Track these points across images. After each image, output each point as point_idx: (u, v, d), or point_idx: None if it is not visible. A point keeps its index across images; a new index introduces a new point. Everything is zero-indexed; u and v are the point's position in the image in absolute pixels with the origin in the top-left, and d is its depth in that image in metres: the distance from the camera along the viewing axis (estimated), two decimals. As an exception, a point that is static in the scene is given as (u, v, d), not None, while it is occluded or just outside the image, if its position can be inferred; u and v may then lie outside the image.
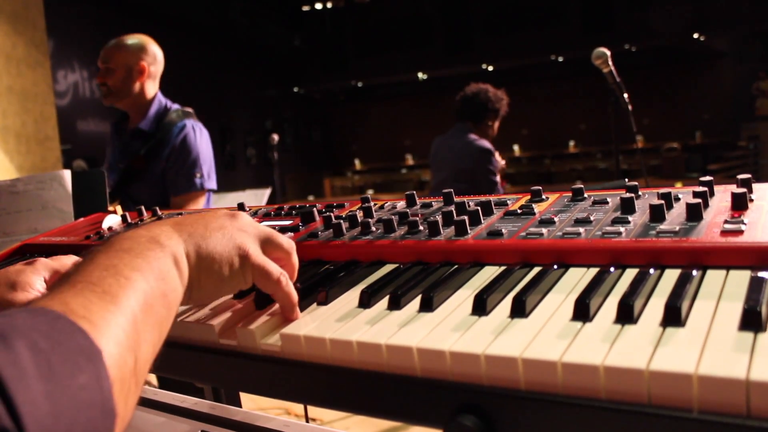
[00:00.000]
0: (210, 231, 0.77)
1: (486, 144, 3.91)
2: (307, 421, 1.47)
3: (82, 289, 0.58)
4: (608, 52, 2.93)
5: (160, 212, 1.60)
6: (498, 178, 3.89)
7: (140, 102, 3.02)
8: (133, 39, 3.11)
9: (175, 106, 3.11)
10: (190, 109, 3.14)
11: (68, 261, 0.98)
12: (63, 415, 0.45)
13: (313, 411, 3.52)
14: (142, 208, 1.63)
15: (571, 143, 15.90)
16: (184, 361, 0.87)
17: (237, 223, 0.81)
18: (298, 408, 3.64)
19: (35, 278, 0.91)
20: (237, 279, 0.78)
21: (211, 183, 3.03)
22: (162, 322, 0.64)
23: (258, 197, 4.56)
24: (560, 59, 14.95)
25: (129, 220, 1.59)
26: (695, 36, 13.34)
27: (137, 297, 0.60)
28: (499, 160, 3.94)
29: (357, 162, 17.81)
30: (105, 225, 1.55)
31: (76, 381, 0.48)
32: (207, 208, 1.56)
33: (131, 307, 0.59)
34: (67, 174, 1.92)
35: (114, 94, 2.97)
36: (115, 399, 0.51)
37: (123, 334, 0.56)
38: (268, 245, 0.83)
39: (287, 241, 0.85)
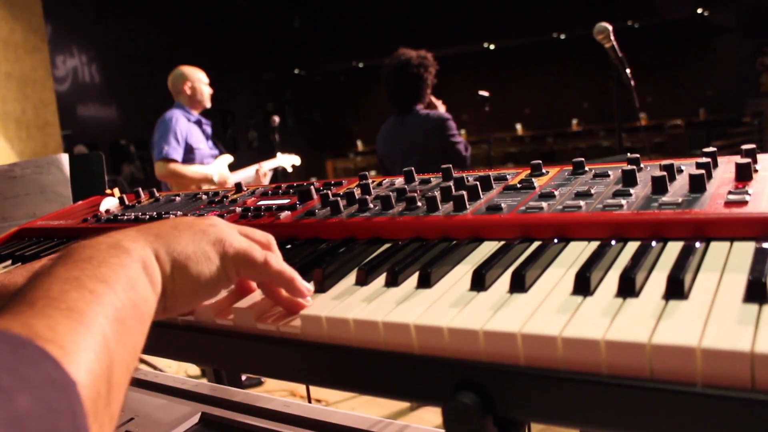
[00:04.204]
0: (179, 230, 0.70)
1: (443, 113, 3.61)
2: (310, 402, 1.46)
3: (43, 306, 0.49)
4: (610, 27, 2.90)
5: (157, 194, 1.59)
6: (463, 147, 3.56)
7: None
8: None
9: None
10: None
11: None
12: None
13: (318, 392, 3.54)
14: (140, 189, 1.62)
15: (574, 121, 15.80)
16: (182, 342, 0.86)
17: (207, 221, 0.74)
18: (303, 390, 3.65)
19: None
20: (217, 276, 0.70)
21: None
22: (135, 339, 0.56)
23: (265, 179, 4.55)
24: (562, 37, 14.80)
25: (126, 202, 1.58)
26: (699, 11, 13.20)
27: (106, 313, 0.52)
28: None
29: (359, 143, 17.74)
30: (102, 208, 1.54)
31: (46, 421, 0.39)
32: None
33: (100, 326, 0.51)
34: (64, 158, 1.90)
35: None
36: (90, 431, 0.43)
37: (95, 359, 0.47)
38: (244, 232, 0.77)
39: (263, 233, 0.79)
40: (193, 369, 4.10)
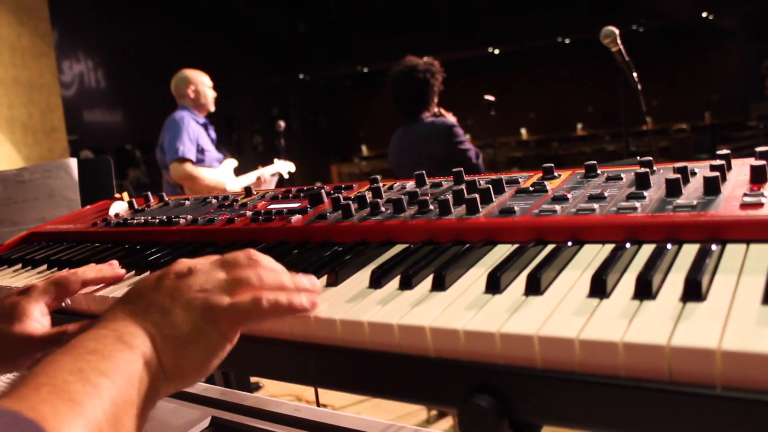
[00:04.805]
0: (168, 312, 0.68)
1: (448, 120, 3.58)
2: (319, 406, 1.46)
3: (48, 393, 0.53)
4: (617, 31, 2.89)
5: (166, 198, 1.59)
6: (474, 154, 3.52)
7: None
8: None
9: None
10: None
11: (62, 276, 0.94)
12: None
13: (324, 397, 3.53)
14: (149, 194, 1.62)
15: (579, 126, 15.78)
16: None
17: (193, 284, 0.70)
18: (310, 394, 3.65)
19: (32, 307, 0.88)
20: (217, 345, 0.69)
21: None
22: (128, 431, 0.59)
23: (266, 184, 4.57)
24: (567, 41, 14.81)
25: (135, 206, 1.58)
26: (704, 15, 13.18)
27: (104, 407, 0.56)
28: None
29: (364, 148, 17.75)
30: (112, 212, 1.54)
31: None
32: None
33: (97, 418, 0.54)
34: (73, 162, 1.91)
35: None
36: None
37: None
38: (227, 269, 0.72)
39: (244, 255, 0.74)
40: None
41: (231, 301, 0.69)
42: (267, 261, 0.75)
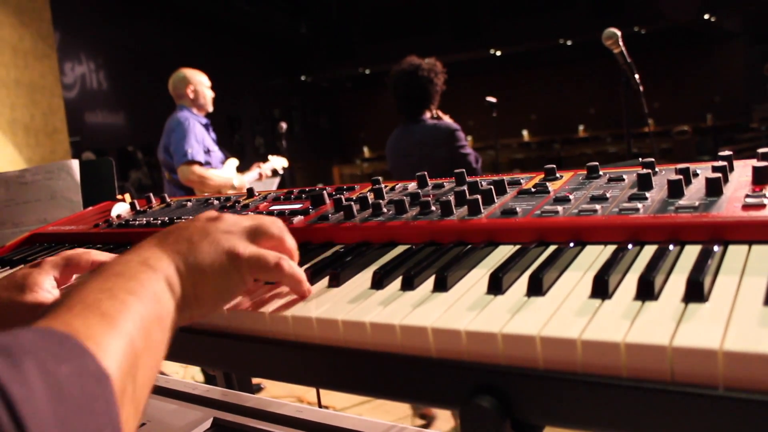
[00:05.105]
0: (194, 244, 0.73)
1: (451, 124, 3.56)
2: (320, 407, 1.46)
3: (81, 310, 0.55)
4: (619, 33, 2.90)
5: (168, 199, 1.59)
6: (473, 158, 3.50)
7: None
8: None
9: None
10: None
11: (74, 253, 0.96)
12: None
13: (326, 399, 3.53)
14: (151, 195, 1.62)
15: (581, 127, 15.79)
16: (194, 346, 0.86)
17: (221, 226, 0.77)
18: (311, 396, 3.65)
19: (43, 278, 0.90)
20: (234, 282, 0.75)
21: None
22: (158, 347, 0.62)
23: (267, 185, 4.58)
24: (569, 43, 14.82)
25: (138, 207, 1.58)
26: (706, 17, 13.18)
27: (134, 321, 0.58)
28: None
29: (365, 149, 17.76)
30: (114, 213, 1.54)
31: (87, 406, 0.45)
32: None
33: (129, 332, 0.56)
34: (75, 163, 1.91)
35: None
36: (121, 425, 0.49)
37: (124, 358, 0.53)
38: (257, 237, 0.79)
39: (276, 225, 0.81)
40: (199, 377, 4.10)
41: (255, 250, 0.75)
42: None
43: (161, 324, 0.64)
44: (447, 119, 3.66)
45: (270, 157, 4.73)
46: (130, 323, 0.57)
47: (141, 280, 0.64)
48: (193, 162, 4.08)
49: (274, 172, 4.76)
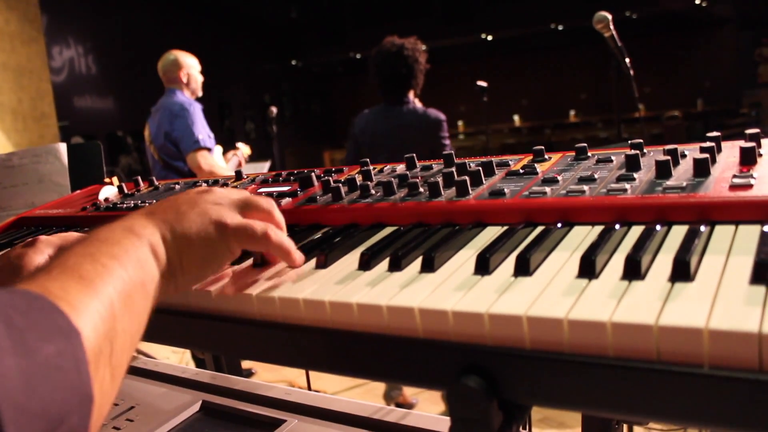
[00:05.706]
0: (182, 213, 0.74)
1: (440, 114, 3.53)
2: (310, 390, 1.46)
3: (59, 274, 0.56)
4: (609, 16, 2.89)
5: (156, 182, 1.58)
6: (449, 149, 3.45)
7: None
8: None
9: None
10: None
11: (70, 236, 0.96)
12: (37, 392, 0.43)
13: (317, 383, 3.54)
14: (139, 178, 1.61)
15: (572, 113, 15.78)
16: (181, 328, 0.85)
17: (210, 197, 0.78)
18: (302, 381, 3.66)
19: (38, 257, 0.89)
20: (220, 252, 0.76)
21: None
22: (140, 313, 0.62)
23: (257, 170, 4.55)
24: (560, 28, 14.78)
25: (125, 191, 1.57)
26: (697, 2, 13.17)
27: (115, 284, 0.58)
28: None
29: (356, 135, 17.74)
30: (101, 196, 1.53)
31: (52, 359, 0.45)
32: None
33: (108, 294, 0.56)
34: (63, 147, 1.89)
35: None
36: (92, 383, 0.49)
37: (100, 319, 0.53)
38: (246, 209, 0.80)
39: (265, 200, 0.83)
40: (192, 365, 4.10)
41: (242, 220, 0.76)
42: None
43: (144, 290, 0.64)
44: (418, 104, 3.61)
45: (239, 144, 4.63)
46: (110, 287, 0.57)
47: (124, 246, 0.65)
48: (203, 148, 3.92)
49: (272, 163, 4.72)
